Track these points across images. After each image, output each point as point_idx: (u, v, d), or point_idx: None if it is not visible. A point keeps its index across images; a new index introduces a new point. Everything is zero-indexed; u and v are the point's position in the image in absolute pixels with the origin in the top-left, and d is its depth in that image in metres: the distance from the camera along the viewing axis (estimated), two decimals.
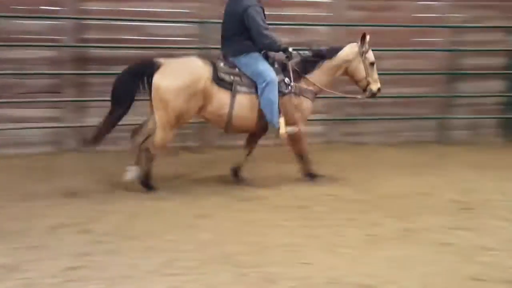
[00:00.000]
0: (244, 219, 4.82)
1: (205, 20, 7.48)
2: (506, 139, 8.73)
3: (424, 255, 3.99)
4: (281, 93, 5.70)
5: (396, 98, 8.16)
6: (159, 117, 5.48)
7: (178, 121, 5.53)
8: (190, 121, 5.87)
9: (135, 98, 5.56)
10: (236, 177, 6.06)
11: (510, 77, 8.87)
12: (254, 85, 5.67)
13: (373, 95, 6.09)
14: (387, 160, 7.10)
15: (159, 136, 5.52)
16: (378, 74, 6.12)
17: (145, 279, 3.57)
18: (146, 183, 5.61)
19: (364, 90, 6.09)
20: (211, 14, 7.50)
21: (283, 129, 5.65)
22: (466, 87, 8.61)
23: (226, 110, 5.61)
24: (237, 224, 4.69)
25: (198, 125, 7.53)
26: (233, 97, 5.61)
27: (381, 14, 8.32)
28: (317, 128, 8.07)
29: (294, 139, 5.89)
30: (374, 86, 6.04)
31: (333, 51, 6.02)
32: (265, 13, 5.75)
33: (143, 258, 3.90)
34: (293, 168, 6.14)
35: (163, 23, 7.62)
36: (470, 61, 8.51)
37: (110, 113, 5.56)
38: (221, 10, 6.01)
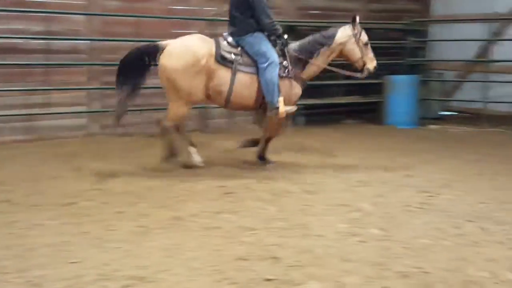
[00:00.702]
0: (1, 221, 4.42)
1: None
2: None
3: (193, 241, 4.09)
4: (279, 76, 5.92)
5: (156, 88, 8.20)
6: (169, 95, 5.92)
7: (189, 98, 5.89)
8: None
9: (144, 77, 5.98)
10: (262, 160, 6.37)
11: None
12: (254, 65, 5.93)
13: (370, 73, 6.38)
14: (153, 151, 7.09)
15: (171, 111, 5.96)
16: None
17: None
18: (172, 155, 6.08)
19: (361, 69, 6.34)
20: None
21: (282, 108, 5.89)
22: None
23: (226, 87, 5.89)
24: None
25: None
26: (233, 75, 5.88)
27: (139, 5, 8.30)
28: (79, 120, 7.78)
29: (278, 123, 6.14)
30: (371, 65, 6.32)
31: (330, 37, 6.23)
32: None
33: None
34: (51, 166, 5.85)
35: None
36: None
37: (123, 91, 5.92)
38: None
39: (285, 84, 6.03)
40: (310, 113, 9.91)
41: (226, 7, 8.98)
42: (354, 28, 6.26)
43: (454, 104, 11.37)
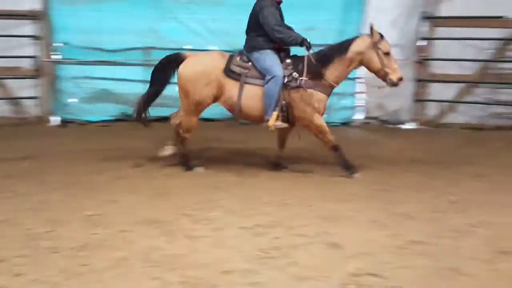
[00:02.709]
0: None
1: None
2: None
3: None
4: (289, 87, 6.02)
5: None
6: (182, 103, 6.28)
7: (197, 107, 6.21)
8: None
9: (167, 82, 6.37)
10: (277, 166, 6.52)
11: None
12: (263, 78, 6.07)
13: (394, 84, 5.98)
14: None
15: (184, 121, 6.32)
16: None
17: None
18: (185, 163, 6.45)
19: (385, 80, 6.01)
20: None
21: (272, 122, 6.03)
22: None
23: (235, 99, 6.13)
24: None
25: None
26: (241, 87, 6.09)
27: None
28: None
29: (318, 133, 6.15)
30: (394, 76, 5.93)
31: (345, 46, 6.06)
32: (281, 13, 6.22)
33: None
34: None
35: None
36: None
37: (147, 92, 6.37)
38: None
39: (298, 94, 6.03)
40: None
41: None
42: (372, 37, 5.99)
43: None
